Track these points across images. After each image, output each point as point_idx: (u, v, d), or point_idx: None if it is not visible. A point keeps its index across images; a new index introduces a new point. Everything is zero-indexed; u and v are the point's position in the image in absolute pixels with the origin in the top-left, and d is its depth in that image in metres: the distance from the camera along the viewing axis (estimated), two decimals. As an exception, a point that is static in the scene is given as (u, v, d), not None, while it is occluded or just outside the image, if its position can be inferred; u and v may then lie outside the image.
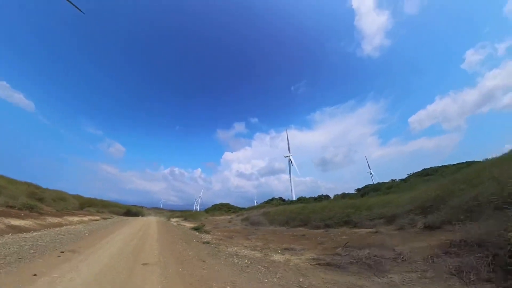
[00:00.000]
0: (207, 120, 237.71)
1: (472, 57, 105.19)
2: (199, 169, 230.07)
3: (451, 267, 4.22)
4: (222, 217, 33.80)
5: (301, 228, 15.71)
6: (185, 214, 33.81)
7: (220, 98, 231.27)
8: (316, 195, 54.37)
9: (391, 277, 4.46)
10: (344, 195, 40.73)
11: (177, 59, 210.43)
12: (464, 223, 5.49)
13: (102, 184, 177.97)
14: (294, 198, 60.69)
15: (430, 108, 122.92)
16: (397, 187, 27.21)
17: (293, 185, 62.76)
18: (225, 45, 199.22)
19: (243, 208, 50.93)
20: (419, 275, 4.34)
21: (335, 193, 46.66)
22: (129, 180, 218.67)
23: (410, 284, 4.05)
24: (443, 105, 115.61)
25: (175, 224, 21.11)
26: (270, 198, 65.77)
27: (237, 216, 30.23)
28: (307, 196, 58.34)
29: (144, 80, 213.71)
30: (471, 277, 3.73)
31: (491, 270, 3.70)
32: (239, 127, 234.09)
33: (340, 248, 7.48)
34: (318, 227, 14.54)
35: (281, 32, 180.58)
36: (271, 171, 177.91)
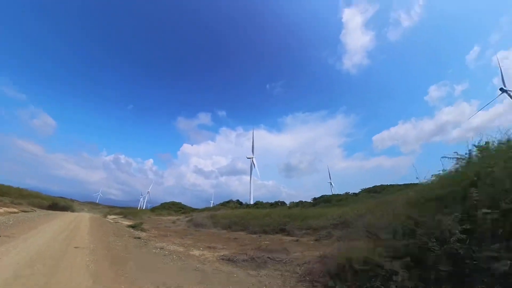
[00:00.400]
0: (168, 104, 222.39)
1: (434, 92, 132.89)
2: (151, 160, 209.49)
3: (308, 272, 7.04)
4: (168, 217, 34.96)
5: (240, 232, 18.65)
6: (126, 211, 33.75)
7: (187, 82, 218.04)
8: (275, 200, 59.58)
9: (262, 272, 7.17)
10: (299, 203, 46.21)
11: (141, 22, 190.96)
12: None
13: (17, 166, 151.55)
14: (251, 202, 64.80)
15: (393, 130, 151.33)
16: (346, 201, 32.69)
17: (252, 188, 66.68)
18: (203, 23, 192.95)
19: (197, 209, 52.07)
20: (284, 274, 6.53)
21: (296, 200, 52.28)
22: (57, 165, 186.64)
23: (268, 277, 6.51)
24: (404, 129, 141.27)
25: (111, 221, 21.94)
26: (228, 200, 68.73)
27: (186, 217, 31.85)
28: (265, 201, 62.91)
29: (94, 39, 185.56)
30: (313, 279, 6.39)
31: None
32: (204, 118, 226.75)
33: (251, 249, 10.45)
34: (255, 232, 17.67)
35: (266, 26, 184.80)
36: (233, 171, 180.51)
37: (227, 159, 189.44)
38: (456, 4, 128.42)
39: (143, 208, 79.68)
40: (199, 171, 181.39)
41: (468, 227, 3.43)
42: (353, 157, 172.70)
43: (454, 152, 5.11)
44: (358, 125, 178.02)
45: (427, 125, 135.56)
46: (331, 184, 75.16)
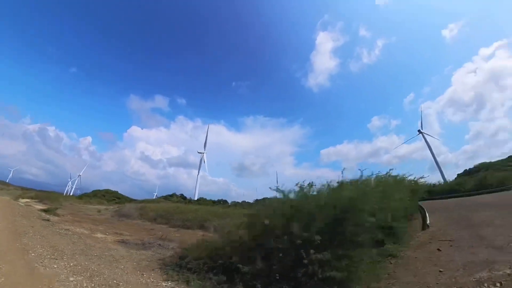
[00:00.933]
0: (122, 77, 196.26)
1: (375, 121, 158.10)
2: (89, 138, 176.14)
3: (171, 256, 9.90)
4: (97, 206, 33.53)
5: (162, 225, 20.25)
6: (44, 195, 30.85)
7: (149, 57, 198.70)
8: (220, 198, 61.98)
9: (141, 251, 9.35)
10: (242, 203, 49.81)
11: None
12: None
13: None
14: (196, 198, 65.68)
15: (338, 147, 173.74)
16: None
17: (198, 184, 67.62)
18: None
19: (136, 200, 50.03)
20: (156, 255, 9.04)
21: (244, 200, 55.80)
22: None
23: (141, 255, 8.84)
24: (347, 148, 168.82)
25: (22, 204, 20.77)
26: (171, 193, 67.84)
27: (118, 207, 31.11)
28: (212, 198, 64.74)
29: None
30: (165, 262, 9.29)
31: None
32: (161, 102, 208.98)
33: (152, 237, 12.63)
34: (176, 226, 19.65)
35: (245, 23, 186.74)
36: (184, 163, 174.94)
37: (180, 150, 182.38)
38: (406, 56, 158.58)
39: (70, 194, 71.40)
40: (146, 159, 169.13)
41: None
42: (301, 166, 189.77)
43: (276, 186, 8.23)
44: (310, 137, 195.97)
45: (366, 147, 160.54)
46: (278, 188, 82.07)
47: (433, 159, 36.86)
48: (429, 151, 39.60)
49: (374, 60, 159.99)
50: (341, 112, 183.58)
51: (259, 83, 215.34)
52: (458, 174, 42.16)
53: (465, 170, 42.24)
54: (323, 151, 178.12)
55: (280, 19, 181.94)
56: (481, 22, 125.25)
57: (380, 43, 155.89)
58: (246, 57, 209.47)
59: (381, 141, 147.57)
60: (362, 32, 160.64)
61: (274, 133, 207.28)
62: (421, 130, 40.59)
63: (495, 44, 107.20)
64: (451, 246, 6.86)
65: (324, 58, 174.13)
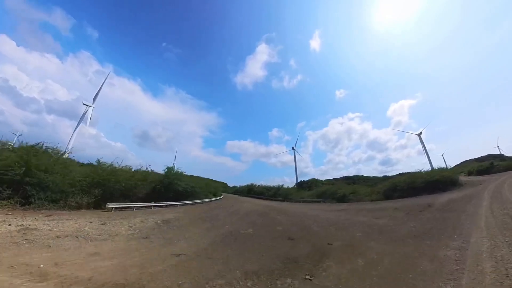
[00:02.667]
0: None
1: (274, 132, 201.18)
2: None
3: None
4: None
5: None
6: None
7: None
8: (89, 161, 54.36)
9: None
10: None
11: None
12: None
13: None
14: (66, 156, 55.33)
15: (242, 142, 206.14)
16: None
17: (73, 140, 57.71)
18: None
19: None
20: None
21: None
22: None
23: None
24: (248, 146, 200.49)
25: None
26: (40, 143, 53.32)
27: None
28: (86, 162, 55.29)
29: None
30: None
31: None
32: (62, 20, 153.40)
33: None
34: None
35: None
36: (71, 114, 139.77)
37: (70, 95, 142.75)
38: (312, 95, 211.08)
39: None
40: (10, 91, 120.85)
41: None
42: (207, 150, 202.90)
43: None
44: (223, 127, 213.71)
45: (262, 149, 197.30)
46: (173, 165, 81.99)
47: (294, 168, 50.03)
48: (298, 162, 55.50)
49: (291, 86, 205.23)
50: (253, 114, 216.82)
51: (191, 57, 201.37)
52: (296, 183, 58.39)
53: (301, 181, 59.38)
54: (229, 142, 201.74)
55: (239, 9, 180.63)
56: (356, 96, 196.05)
57: (299, 77, 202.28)
58: (189, 24, 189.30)
59: (274, 148, 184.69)
60: (292, 62, 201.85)
61: (192, 112, 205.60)
62: (294, 147, 53.73)
63: (356, 114, 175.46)
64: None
65: (256, 65, 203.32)
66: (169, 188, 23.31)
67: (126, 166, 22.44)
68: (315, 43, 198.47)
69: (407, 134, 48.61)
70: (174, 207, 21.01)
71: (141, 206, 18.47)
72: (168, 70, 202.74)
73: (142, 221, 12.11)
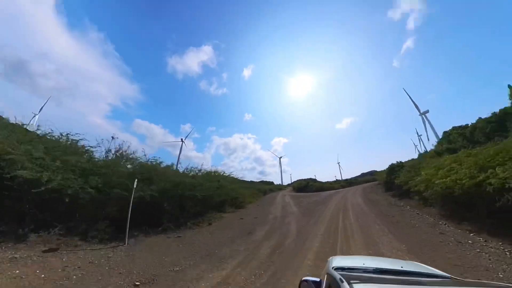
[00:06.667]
0: None
1: (186, 127, 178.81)
2: None
3: None
4: None
5: None
6: None
7: None
8: None
9: None
10: None
11: None
12: None
13: None
14: None
15: (153, 126, 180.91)
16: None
17: None
18: None
19: None
20: None
21: None
22: None
23: None
24: (158, 131, 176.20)
25: None
26: None
27: None
28: None
29: None
30: None
31: None
32: None
33: None
34: None
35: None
36: None
37: None
38: (230, 103, 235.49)
39: None
40: None
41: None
42: (112, 122, 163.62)
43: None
44: (142, 104, 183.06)
45: (171, 139, 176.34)
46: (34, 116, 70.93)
47: (177, 159, 47.16)
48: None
49: (215, 94, 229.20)
50: (173, 103, 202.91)
51: (141, 11, 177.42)
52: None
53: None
54: (138, 121, 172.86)
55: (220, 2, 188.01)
56: (257, 122, 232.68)
57: (225, 90, 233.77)
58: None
59: (179, 140, 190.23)
60: (224, 75, 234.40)
61: (110, 73, 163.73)
62: (183, 140, 52.67)
63: (253, 136, 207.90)
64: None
65: (195, 60, 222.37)
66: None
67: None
68: (247, 72, 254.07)
69: (277, 157, 73.26)
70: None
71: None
72: (108, 10, 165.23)
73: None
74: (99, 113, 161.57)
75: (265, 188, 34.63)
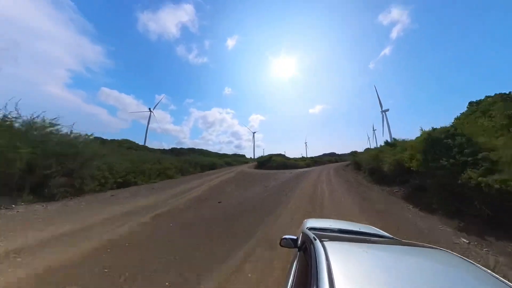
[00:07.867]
0: None
1: (160, 97, 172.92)
2: None
3: None
4: None
5: None
6: None
7: None
8: None
9: None
10: None
11: None
12: None
13: None
14: None
15: (124, 96, 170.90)
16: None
17: None
18: None
19: None
20: None
21: None
22: None
23: None
24: (130, 101, 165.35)
25: None
26: None
27: None
28: None
29: None
30: None
31: None
32: None
33: None
34: None
35: None
36: None
37: None
38: (213, 70, 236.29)
39: None
40: None
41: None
42: (75, 92, 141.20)
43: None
44: (108, 70, 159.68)
45: (144, 109, 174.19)
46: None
47: (145, 130, 48.20)
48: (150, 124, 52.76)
49: (195, 63, 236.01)
50: (147, 70, 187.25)
51: None
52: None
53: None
54: (105, 89, 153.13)
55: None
56: (237, 97, 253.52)
57: (205, 59, 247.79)
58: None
59: (157, 113, 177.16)
60: (206, 43, 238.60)
61: (66, 31, 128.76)
62: (151, 110, 49.37)
63: (232, 111, 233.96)
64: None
65: (172, 20, 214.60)
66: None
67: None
68: (231, 42, 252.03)
69: (252, 133, 75.92)
70: None
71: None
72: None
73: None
74: (56, 82, 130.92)
75: (219, 162, 28.31)
